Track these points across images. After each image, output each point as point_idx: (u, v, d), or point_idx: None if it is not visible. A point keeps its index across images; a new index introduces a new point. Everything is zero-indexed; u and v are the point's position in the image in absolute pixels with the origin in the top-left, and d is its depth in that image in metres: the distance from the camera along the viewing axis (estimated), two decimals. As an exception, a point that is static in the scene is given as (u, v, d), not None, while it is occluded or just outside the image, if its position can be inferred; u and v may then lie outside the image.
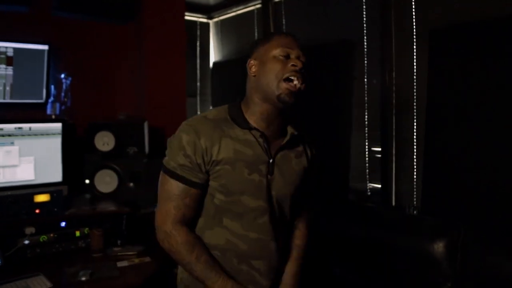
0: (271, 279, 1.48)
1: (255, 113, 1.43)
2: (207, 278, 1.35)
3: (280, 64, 1.36)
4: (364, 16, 2.94)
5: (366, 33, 2.93)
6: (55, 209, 2.37)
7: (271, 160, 1.42)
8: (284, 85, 1.35)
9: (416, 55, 2.63)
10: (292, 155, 1.48)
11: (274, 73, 1.36)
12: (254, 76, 1.42)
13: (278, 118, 1.44)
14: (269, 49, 1.40)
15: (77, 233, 2.39)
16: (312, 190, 1.66)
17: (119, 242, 2.40)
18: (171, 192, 1.38)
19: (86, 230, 2.40)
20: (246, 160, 1.38)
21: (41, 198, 2.34)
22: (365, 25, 2.94)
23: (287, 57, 1.38)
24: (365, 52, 2.94)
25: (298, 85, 1.35)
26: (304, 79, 1.37)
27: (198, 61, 4.30)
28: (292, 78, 1.35)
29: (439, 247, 2.11)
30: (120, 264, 2.19)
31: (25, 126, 2.44)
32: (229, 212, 1.41)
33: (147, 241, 2.37)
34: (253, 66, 1.43)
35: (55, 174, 2.53)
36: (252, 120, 1.42)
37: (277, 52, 1.38)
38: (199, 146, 1.36)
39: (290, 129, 1.47)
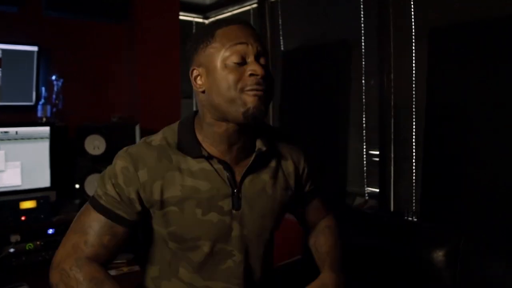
0: None
1: (210, 135, 1.11)
2: None
3: (234, 74, 1.02)
4: (362, 15, 2.88)
5: (364, 33, 2.88)
6: (42, 216, 2.31)
7: (235, 191, 1.13)
8: (247, 97, 1.02)
9: (415, 56, 2.58)
10: (265, 177, 1.17)
11: (228, 83, 1.02)
12: (203, 92, 1.08)
13: (244, 136, 1.11)
14: (215, 54, 1.04)
15: (65, 241, 2.33)
16: (317, 194, 1.38)
17: None
18: (87, 225, 1.07)
19: (73, 237, 2.33)
20: (199, 197, 1.09)
21: (27, 204, 2.28)
22: (363, 25, 2.88)
23: (242, 62, 1.04)
24: (363, 53, 2.89)
25: (263, 100, 1.03)
26: (270, 86, 1.06)
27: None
28: (255, 90, 1.02)
29: (438, 255, 2.06)
30: (108, 273, 2.12)
31: (12, 130, 2.38)
32: (185, 261, 1.14)
33: (137, 249, 2.31)
34: (198, 78, 1.09)
35: (42, 179, 2.46)
36: (208, 144, 1.12)
37: (226, 58, 1.03)
38: (135, 178, 1.08)
39: (259, 144, 1.14)
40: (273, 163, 1.19)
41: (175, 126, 1.17)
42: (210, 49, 1.05)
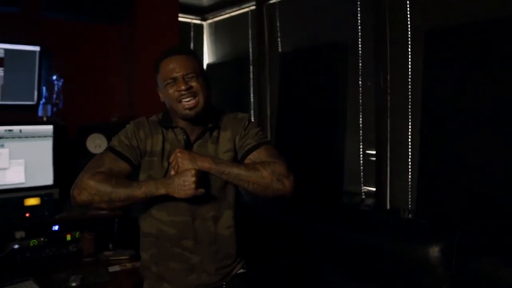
0: (202, 256, 1.61)
1: (176, 119, 1.63)
2: (133, 190, 1.45)
3: (171, 88, 1.55)
4: (359, 18, 2.92)
5: (360, 35, 2.91)
6: (46, 213, 2.33)
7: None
8: (180, 106, 1.55)
9: (411, 57, 2.62)
10: (210, 143, 1.63)
11: (171, 99, 1.56)
12: (163, 102, 1.64)
13: (196, 120, 1.60)
14: (161, 79, 1.60)
15: (68, 237, 2.37)
16: (257, 148, 1.62)
17: (110, 246, 2.38)
18: (101, 161, 1.53)
19: (77, 234, 2.38)
20: (166, 154, 1.59)
21: (32, 201, 2.31)
22: (359, 27, 2.92)
23: (175, 81, 1.55)
24: (360, 54, 2.92)
25: (191, 104, 1.54)
26: (196, 94, 1.54)
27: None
28: (182, 100, 1.54)
29: (434, 251, 2.09)
30: (112, 269, 2.16)
31: (16, 128, 2.41)
32: (155, 203, 1.57)
33: (139, 246, 2.34)
34: (160, 96, 1.65)
35: (46, 177, 2.49)
36: (176, 122, 1.63)
37: (166, 81, 1.57)
38: (138, 134, 1.60)
39: (208, 122, 1.64)
40: (215, 133, 1.65)
41: (164, 112, 1.69)
42: (159, 76, 1.61)
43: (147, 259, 1.65)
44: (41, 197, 2.34)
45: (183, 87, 1.53)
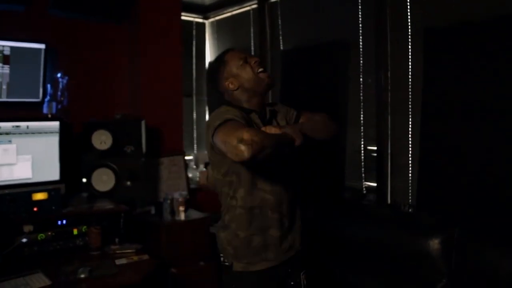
0: (290, 220, 1.78)
1: (248, 105, 1.77)
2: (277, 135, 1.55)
3: (248, 66, 1.73)
4: (360, 16, 2.93)
5: (361, 32, 2.93)
6: (53, 207, 2.37)
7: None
8: (261, 75, 1.73)
9: (411, 55, 2.64)
10: (273, 123, 1.80)
11: (250, 74, 1.72)
12: (237, 88, 1.75)
13: (261, 102, 1.80)
14: (233, 65, 1.74)
15: (75, 231, 2.40)
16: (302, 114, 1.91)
17: (117, 240, 2.41)
18: (235, 125, 1.53)
19: (83, 228, 2.41)
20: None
21: (39, 196, 2.34)
22: (360, 25, 2.94)
23: (246, 60, 1.74)
24: (361, 52, 2.94)
25: (267, 74, 1.75)
26: (265, 67, 1.82)
27: (194, 61, 4.29)
28: (261, 69, 1.74)
29: (434, 244, 2.14)
30: (119, 261, 2.20)
31: (23, 124, 2.44)
32: (261, 176, 1.70)
33: (144, 240, 2.39)
34: (231, 84, 1.75)
35: (52, 173, 2.53)
36: (247, 107, 1.77)
37: (240, 62, 1.73)
38: (240, 114, 1.64)
39: (268, 107, 1.83)
40: (273, 115, 1.84)
41: (227, 106, 1.74)
42: (230, 65, 1.75)
43: (250, 234, 1.71)
44: (49, 192, 2.37)
45: (257, 58, 1.75)
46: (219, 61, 1.79)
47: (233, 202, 1.73)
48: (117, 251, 2.32)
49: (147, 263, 2.22)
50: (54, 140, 2.54)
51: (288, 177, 1.81)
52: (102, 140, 2.73)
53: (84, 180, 2.68)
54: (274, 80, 1.83)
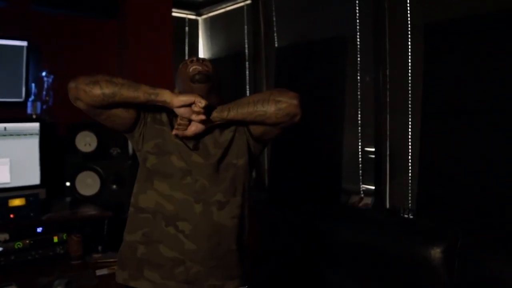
0: (197, 245, 1.45)
1: None
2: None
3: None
4: (357, 11, 2.87)
5: (359, 28, 2.87)
6: (31, 214, 2.26)
7: None
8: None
9: (411, 51, 2.57)
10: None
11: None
12: None
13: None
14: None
15: (55, 239, 2.30)
16: None
17: (100, 248, 2.33)
18: None
19: (64, 235, 2.29)
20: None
21: (16, 202, 2.24)
22: (358, 20, 2.87)
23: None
24: (358, 48, 2.87)
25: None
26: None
27: (186, 59, 4.17)
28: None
29: (436, 252, 2.06)
30: (100, 272, 2.11)
31: (0, 126, 2.33)
32: (158, 173, 1.49)
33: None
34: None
35: (32, 177, 2.42)
36: None
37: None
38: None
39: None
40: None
41: None
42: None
43: (135, 240, 1.49)
44: (26, 197, 2.27)
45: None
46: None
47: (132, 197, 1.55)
48: (99, 260, 2.22)
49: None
50: (34, 142, 2.43)
51: (205, 190, 1.48)
52: (86, 141, 2.64)
53: (68, 184, 2.59)
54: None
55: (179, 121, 1.46)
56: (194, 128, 1.46)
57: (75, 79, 1.42)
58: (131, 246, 1.49)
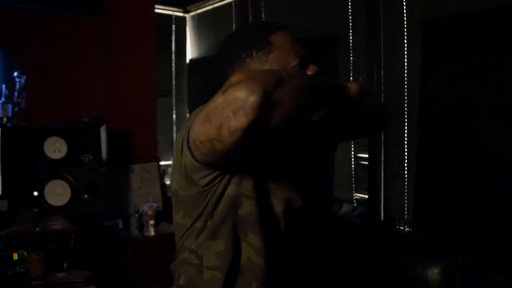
0: None
1: None
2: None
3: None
4: (350, 7, 2.80)
5: (351, 25, 2.80)
6: (-12, 229, 2.08)
7: None
8: None
9: (407, 50, 2.50)
10: None
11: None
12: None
13: None
14: (282, 54, 1.20)
15: (15, 256, 2.15)
16: None
17: (65, 265, 2.18)
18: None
19: (25, 253, 2.12)
20: None
21: (-29, 216, 2.06)
22: (350, 17, 2.80)
23: (305, 62, 1.24)
24: (351, 47, 2.80)
25: None
26: None
27: (173, 58, 4.12)
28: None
29: (434, 273, 1.94)
30: (61, 295, 1.92)
31: (-43, 131, 2.16)
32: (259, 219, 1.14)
33: (100, 262, 2.12)
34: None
35: (-8, 187, 2.24)
36: None
37: (295, 58, 1.21)
38: None
39: None
40: None
41: None
42: (274, 53, 1.16)
43: None
44: (-17, 210, 2.09)
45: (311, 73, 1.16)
46: (263, 33, 1.17)
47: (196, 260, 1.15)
48: (63, 280, 2.07)
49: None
50: (-5, 149, 2.26)
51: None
52: (55, 148, 2.50)
53: (36, 193, 2.44)
54: None
55: None
56: None
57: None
58: None
